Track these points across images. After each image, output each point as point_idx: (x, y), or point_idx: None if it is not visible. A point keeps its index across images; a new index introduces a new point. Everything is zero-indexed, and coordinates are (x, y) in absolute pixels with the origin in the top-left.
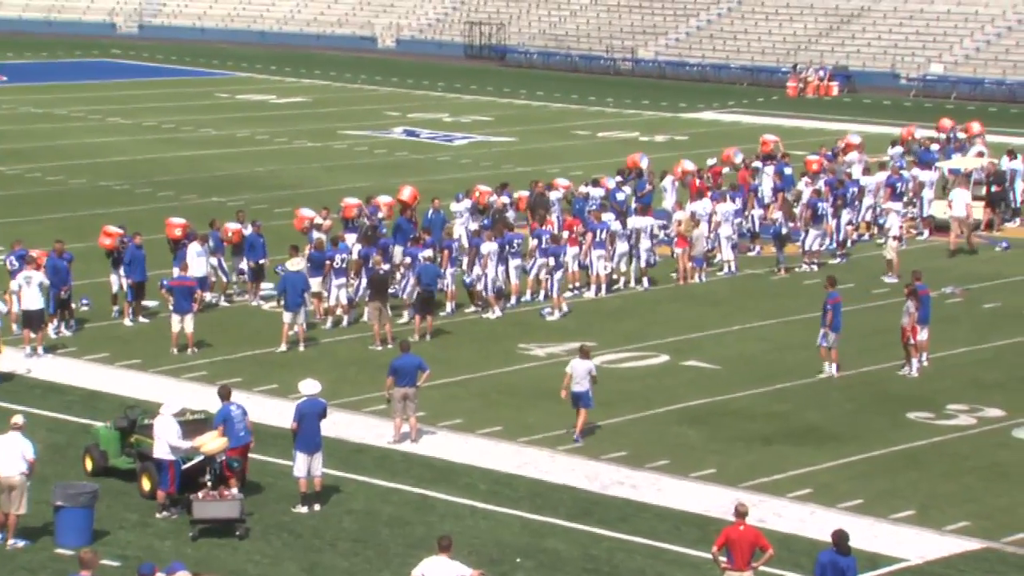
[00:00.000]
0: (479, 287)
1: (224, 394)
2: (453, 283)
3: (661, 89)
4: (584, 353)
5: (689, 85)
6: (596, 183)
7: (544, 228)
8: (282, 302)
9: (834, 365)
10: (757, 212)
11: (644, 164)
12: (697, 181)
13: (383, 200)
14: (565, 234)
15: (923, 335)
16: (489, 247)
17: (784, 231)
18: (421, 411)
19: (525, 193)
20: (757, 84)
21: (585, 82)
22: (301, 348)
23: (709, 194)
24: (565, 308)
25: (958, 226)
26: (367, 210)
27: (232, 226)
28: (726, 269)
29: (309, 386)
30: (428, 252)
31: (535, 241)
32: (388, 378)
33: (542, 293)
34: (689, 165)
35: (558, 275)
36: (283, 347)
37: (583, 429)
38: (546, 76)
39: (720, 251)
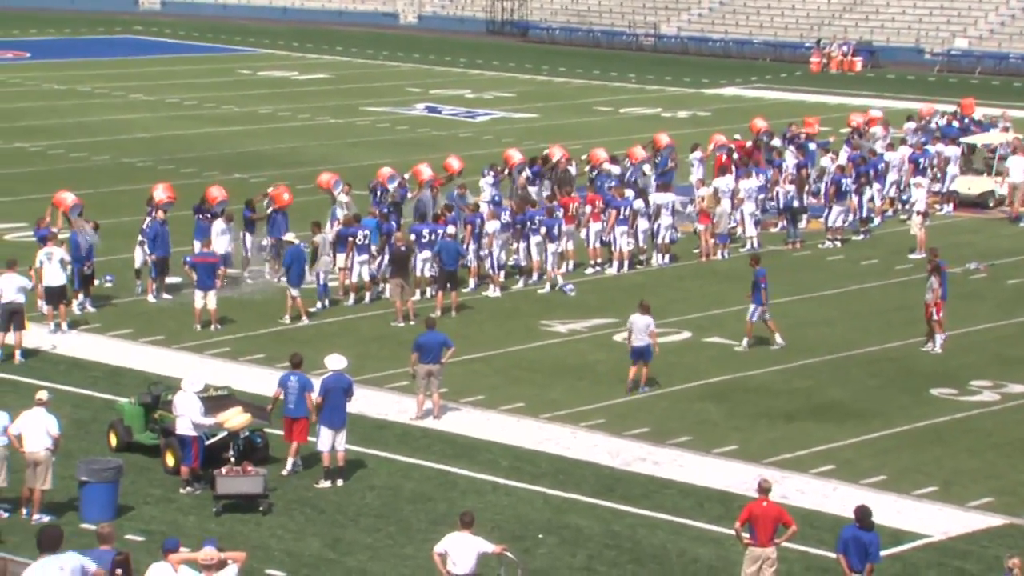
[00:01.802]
0: (476, 263)
1: (295, 363)
2: (476, 259)
3: (683, 65)
4: (644, 308)
5: (712, 60)
6: (614, 159)
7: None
8: (286, 277)
9: (746, 340)
10: (788, 187)
11: (664, 140)
12: (724, 156)
13: (425, 172)
14: (567, 209)
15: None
16: (492, 225)
17: (796, 204)
18: (443, 387)
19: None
20: (780, 59)
21: (607, 58)
22: (305, 320)
23: (734, 170)
24: (560, 281)
25: (1017, 193)
26: (389, 185)
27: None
28: (748, 245)
29: (335, 361)
30: (451, 229)
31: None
32: (412, 354)
33: (563, 266)
34: (721, 139)
35: (552, 247)
36: (304, 320)
37: (645, 382)
38: (568, 52)
39: (743, 227)
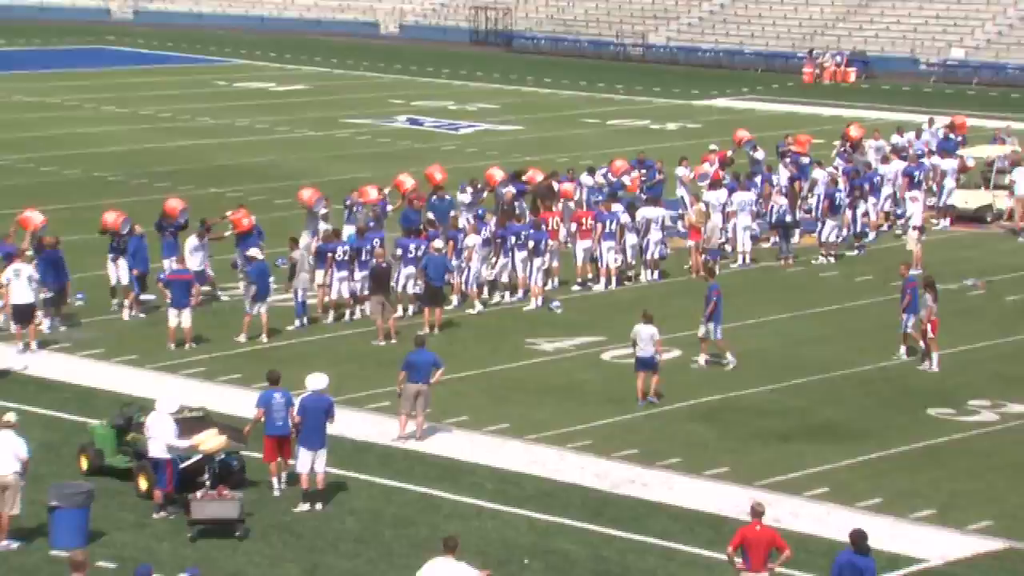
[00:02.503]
0: (458, 280)
1: (272, 379)
2: (459, 275)
3: (673, 75)
4: (647, 317)
5: (702, 71)
6: (591, 171)
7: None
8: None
9: (728, 353)
10: (781, 201)
11: (744, 136)
12: (710, 169)
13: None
14: (548, 223)
15: (912, 329)
16: (473, 240)
17: (788, 219)
18: (427, 408)
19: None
20: (772, 70)
21: (594, 68)
22: (264, 340)
23: (725, 183)
24: (539, 300)
25: (1021, 207)
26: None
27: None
28: (740, 260)
29: (316, 380)
30: (439, 243)
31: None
32: (401, 372)
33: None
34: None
35: (537, 262)
36: (263, 338)
37: (646, 395)
38: (554, 62)
39: (736, 242)
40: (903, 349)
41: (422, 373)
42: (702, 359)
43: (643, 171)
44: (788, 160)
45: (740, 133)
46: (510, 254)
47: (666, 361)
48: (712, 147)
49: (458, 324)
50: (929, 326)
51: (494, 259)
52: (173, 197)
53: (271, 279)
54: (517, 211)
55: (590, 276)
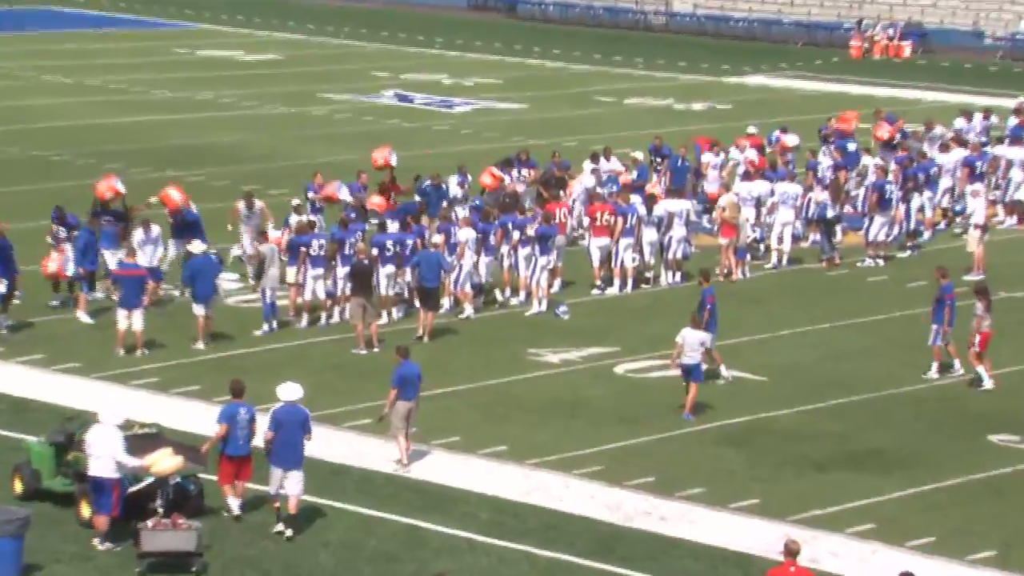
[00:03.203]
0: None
1: (236, 391)
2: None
3: (700, 48)
4: (695, 322)
5: (733, 44)
6: (596, 158)
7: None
8: (188, 292)
9: (723, 367)
10: (816, 195)
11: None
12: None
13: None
14: (555, 216)
15: (943, 341)
16: (466, 234)
17: (830, 214)
18: (413, 427)
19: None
20: (814, 43)
21: (610, 39)
22: (200, 346)
23: (763, 174)
24: (543, 304)
25: None
26: (351, 187)
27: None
28: (774, 260)
29: (290, 390)
30: (438, 238)
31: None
32: (392, 390)
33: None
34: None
35: (542, 261)
36: (200, 344)
37: (693, 406)
38: (564, 32)
39: (774, 239)
40: (935, 366)
41: (414, 388)
42: (725, 373)
43: (658, 159)
44: (832, 145)
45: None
46: (512, 252)
47: None
48: (751, 130)
49: (449, 331)
50: (978, 339)
51: (478, 258)
52: (105, 178)
53: (233, 277)
54: (521, 202)
55: (601, 280)
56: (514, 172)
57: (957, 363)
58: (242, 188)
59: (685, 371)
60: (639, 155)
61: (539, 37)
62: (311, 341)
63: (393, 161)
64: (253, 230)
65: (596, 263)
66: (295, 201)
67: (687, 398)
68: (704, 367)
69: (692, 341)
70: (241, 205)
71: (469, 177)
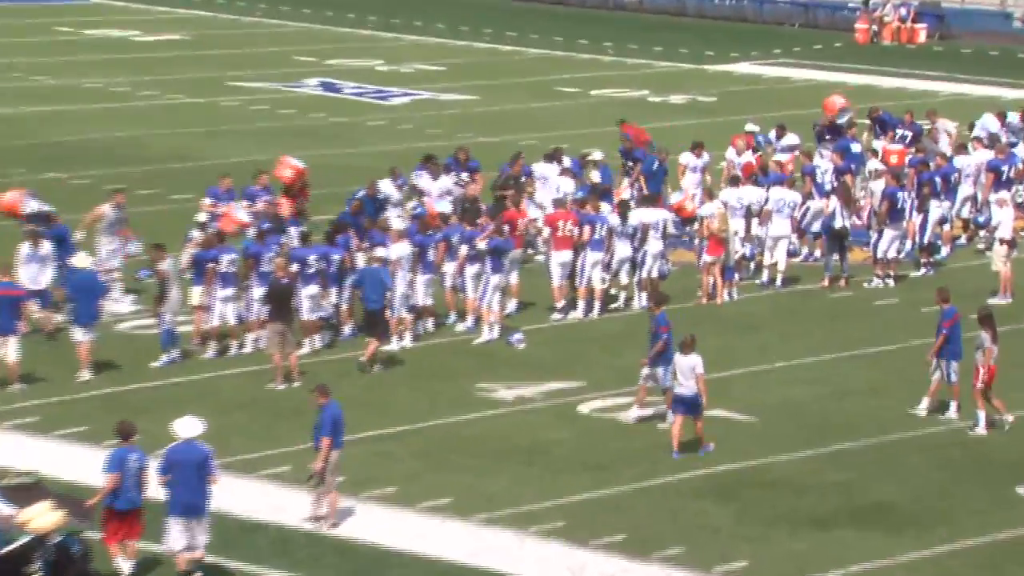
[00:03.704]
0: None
1: (124, 433)
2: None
3: (680, 30)
4: (688, 345)
5: (718, 25)
6: (554, 157)
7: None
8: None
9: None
10: (815, 204)
11: (839, 103)
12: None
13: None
14: (515, 226)
15: (953, 375)
16: (400, 249)
17: (839, 225)
18: (340, 476)
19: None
20: (814, 25)
21: (574, 19)
22: (85, 376)
23: (754, 178)
24: (495, 330)
25: None
26: (266, 196)
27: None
28: (766, 278)
29: (188, 426)
30: (381, 252)
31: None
32: (325, 439)
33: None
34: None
35: (495, 279)
36: (84, 374)
37: (702, 442)
38: (520, 9)
39: (768, 255)
40: (925, 401)
41: (341, 433)
42: (635, 411)
43: (630, 163)
44: (829, 146)
45: (834, 100)
46: (459, 270)
47: (664, 416)
48: (750, 127)
49: (384, 363)
50: (983, 374)
51: (413, 276)
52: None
53: (128, 299)
54: (480, 209)
55: (563, 303)
56: (450, 176)
57: (954, 405)
58: (134, 192)
59: (681, 403)
60: (598, 155)
61: (490, 17)
62: (219, 374)
63: (301, 165)
64: (115, 238)
65: (556, 281)
66: (201, 216)
67: (673, 434)
68: (638, 412)
69: (685, 367)
70: (107, 208)
71: (406, 181)
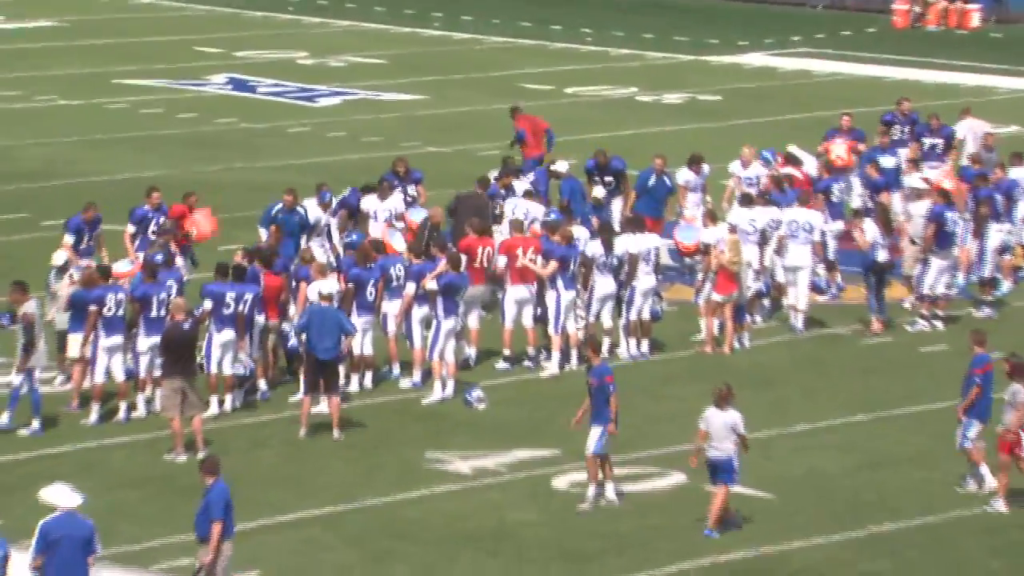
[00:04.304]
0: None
1: None
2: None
3: (675, 13)
4: (723, 396)
5: (724, 6)
6: (516, 171)
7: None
8: None
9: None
10: (834, 227)
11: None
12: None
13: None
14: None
15: (968, 439)
16: (328, 285)
17: (880, 257)
18: (253, 568)
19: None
20: (841, 7)
21: (544, 0)
22: None
23: (767, 196)
24: (449, 387)
25: None
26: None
27: None
28: (794, 321)
29: (62, 495)
30: (328, 286)
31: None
32: (215, 524)
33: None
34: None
35: (448, 324)
36: None
37: (720, 518)
38: None
39: (786, 291)
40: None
41: (232, 515)
42: (611, 495)
43: (606, 179)
44: (862, 157)
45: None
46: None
47: (662, 491)
48: (794, 151)
49: (311, 430)
50: (1013, 437)
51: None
52: None
53: None
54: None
55: (530, 349)
56: (397, 195)
57: (984, 470)
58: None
59: (711, 468)
60: (562, 166)
61: None
62: (104, 444)
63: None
64: None
65: (508, 323)
66: (59, 258)
67: (712, 507)
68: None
69: (719, 425)
70: None
71: (330, 195)
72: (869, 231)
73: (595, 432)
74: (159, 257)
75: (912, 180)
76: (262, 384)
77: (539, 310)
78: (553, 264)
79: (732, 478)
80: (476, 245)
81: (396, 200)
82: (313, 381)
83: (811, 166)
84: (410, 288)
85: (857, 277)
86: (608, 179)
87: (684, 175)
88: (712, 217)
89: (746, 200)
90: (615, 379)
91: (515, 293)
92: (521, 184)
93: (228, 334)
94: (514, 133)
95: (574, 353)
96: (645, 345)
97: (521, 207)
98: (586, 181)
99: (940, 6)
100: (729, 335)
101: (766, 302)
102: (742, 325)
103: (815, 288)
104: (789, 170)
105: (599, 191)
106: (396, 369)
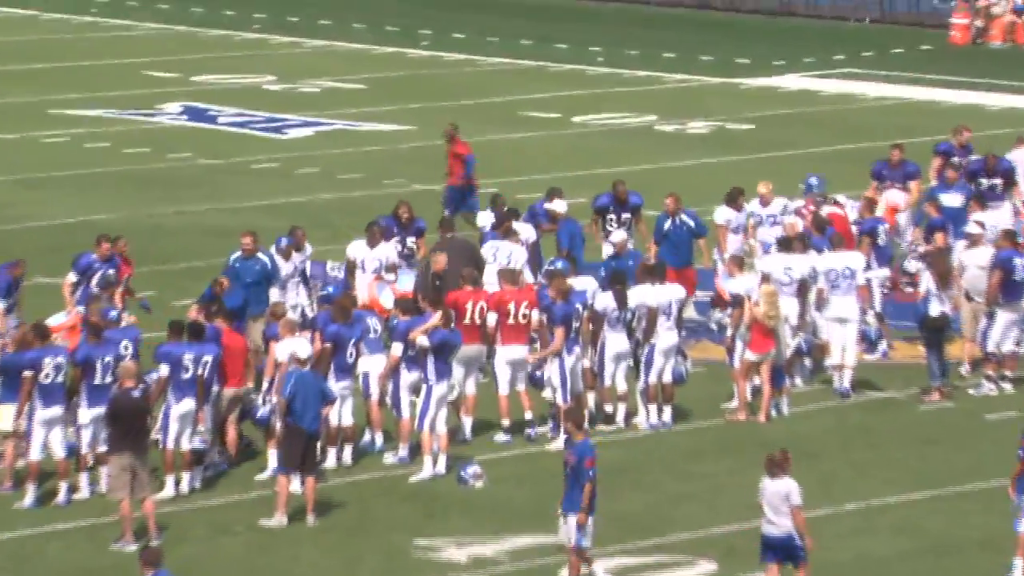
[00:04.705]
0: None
1: None
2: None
3: (701, 29)
4: (777, 463)
5: (757, 22)
6: (515, 213)
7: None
8: None
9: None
10: (879, 273)
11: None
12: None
13: None
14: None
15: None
16: (298, 346)
17: (938, 311)
18: None
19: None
20: (892, 20)
21: (549, 14)
22: None
23: (806, 240)
24: (441, 462)
25: None
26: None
27: None
28: (839, 383)
29: None
30: (304, 347)
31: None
32: None
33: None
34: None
35: (440, 389)
36: None
37: None
38: (471, 4)
39: (829, 350)
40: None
41: None
42: None
43: (623, 217)
44: (924, 192)
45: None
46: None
47: None
48: (815, 185)
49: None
50: None
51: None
52: None
53: None
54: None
55: (529, 415)
56: (390, 244)
57: (1019, 563)
58: None
59: (770, 547)
60: (560, 206)
61: (429, 12)
62: (40, 531)
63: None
64: None
65: (504, 388)
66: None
67: None
68: None
69: (774, 497)
70: None
71: (309, 249)
72: (923, 280)
73: (572, 521)
74: (113, 313)
75: (976, 221)
76: (215, 457)
77: (537, 373)
78: (559, 333)
79: (797, 559)
80: (466, 300)
81: (388, 249)
82: (294, 457)
83: (850, 207)
84: (396, 349)
85: (909, 332)
86: (625, 216)
87: (724, 214)
88: (739, 264)
89: (783, 245)
90: (596, 463)
91: (507, 354)
92: (487, 216)
93: (188, 404)
94: (463, 159)
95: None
96: (667, 413)
97: (504, 251)
98: (589, 222)
99: (1006, 20)
100: (766, 400)
101: (807, 362)
102: (780, 389)
103: (864, 338)
104: (831, 209)
105: (620, 235)
106: (379, 439)
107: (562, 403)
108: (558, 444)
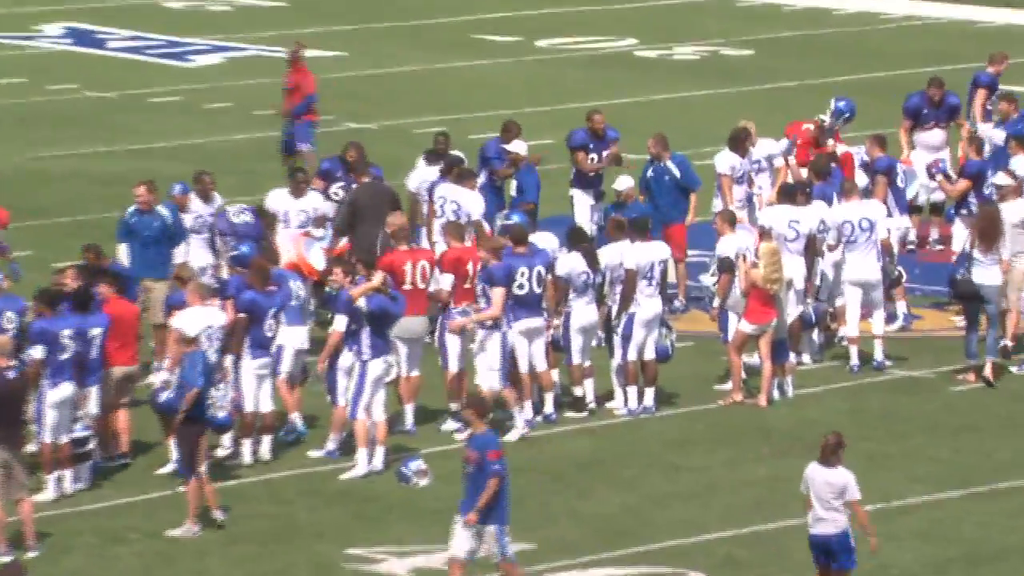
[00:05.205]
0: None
1: None
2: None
3: None
4: (828, 450)
5: None
6: (436, 154)
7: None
8: None
9: None
10: (899, 222)
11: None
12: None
13: None
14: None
15: None
16: (208, 318)
17: (977, 278)
18: None
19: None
20: None
21: None
22: None
23: (807, 188)
24: (378, 456)
25: None
26: None
27: None
28: (853, 363)
29: None
30: (214, 317)
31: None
32: None
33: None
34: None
35: (376, 368)
36: None
37: None
38: None
39: (843, 318)
40: None
41: None
42: None
43: (600, 156)
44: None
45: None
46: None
47: None
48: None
49: (205, 517)
50: None
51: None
52: None
53: None
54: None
55: (550, 395)
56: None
57: None
58: None
59: (819, 547)
60: (520, 147)
61: None
62: None
63: None
64: None
65: (453, 365)
66: None
67: None
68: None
69: (824, 488)
70: None
71: (218, 200)
72: (957, 236)
73: (491, 531)
74: None
75: (1017, 162)
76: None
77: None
78: (499, 292)
79: (849, 564)
80: (403, 261)
81: (316, 200)
82: (202, 456)
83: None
84: (340, 323)
85: (939, 299)
86: (606, 154)
87: (726, 159)
88: (729, 220)
89: (786, 194)
90: (504, 457)
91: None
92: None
93: (67, 388)
94: (306, 96)
95: (549, 402)
96: (649, 396)
97: (451, 198)
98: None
99: None
100: (766, 380)
101: (815, 335)
102: (783, 366)
103: (887, 312)
104: (843, 148)
105: (626, 180)
106: (299, 423)
107: (499, 385)
108: (518, 431)
